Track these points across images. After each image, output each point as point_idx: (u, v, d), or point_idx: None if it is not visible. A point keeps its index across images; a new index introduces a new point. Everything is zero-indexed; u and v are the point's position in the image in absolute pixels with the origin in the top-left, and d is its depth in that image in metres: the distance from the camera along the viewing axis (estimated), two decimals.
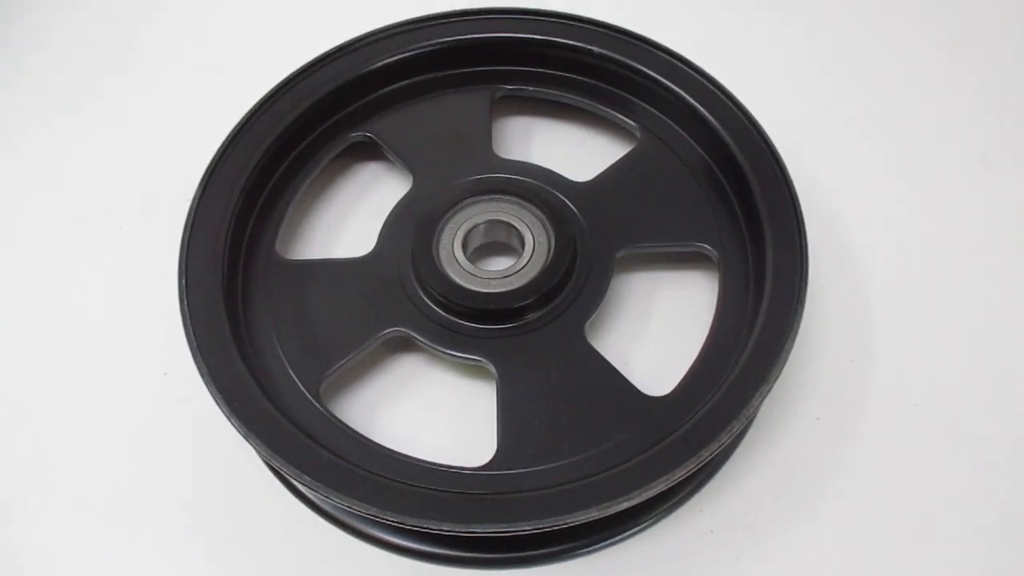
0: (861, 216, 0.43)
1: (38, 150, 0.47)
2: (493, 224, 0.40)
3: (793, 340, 0.36)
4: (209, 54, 0.50)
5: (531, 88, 0.45)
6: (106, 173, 0.46)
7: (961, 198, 0.44)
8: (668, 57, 0.43)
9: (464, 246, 0.40)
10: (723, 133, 0.41)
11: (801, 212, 0.38)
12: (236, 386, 0.35)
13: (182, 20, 0.52)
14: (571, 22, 0.44)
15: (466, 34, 0.44)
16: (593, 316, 0.38)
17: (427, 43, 0.44)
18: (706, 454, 0.33)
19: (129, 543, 0.37)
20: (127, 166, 0.47)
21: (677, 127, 0.43)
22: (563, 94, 0.45)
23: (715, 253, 0.40)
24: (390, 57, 0.44)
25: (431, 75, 0.45)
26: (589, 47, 0.44)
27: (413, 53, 0.44)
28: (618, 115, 0.44)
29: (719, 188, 0.41)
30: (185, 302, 0.37)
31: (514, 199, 0.41)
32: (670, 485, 0.34)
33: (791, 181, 0.39)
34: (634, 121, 0.44)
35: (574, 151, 0.45)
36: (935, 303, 0.41)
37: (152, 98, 0.49)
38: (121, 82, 0.50)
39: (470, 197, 0.41)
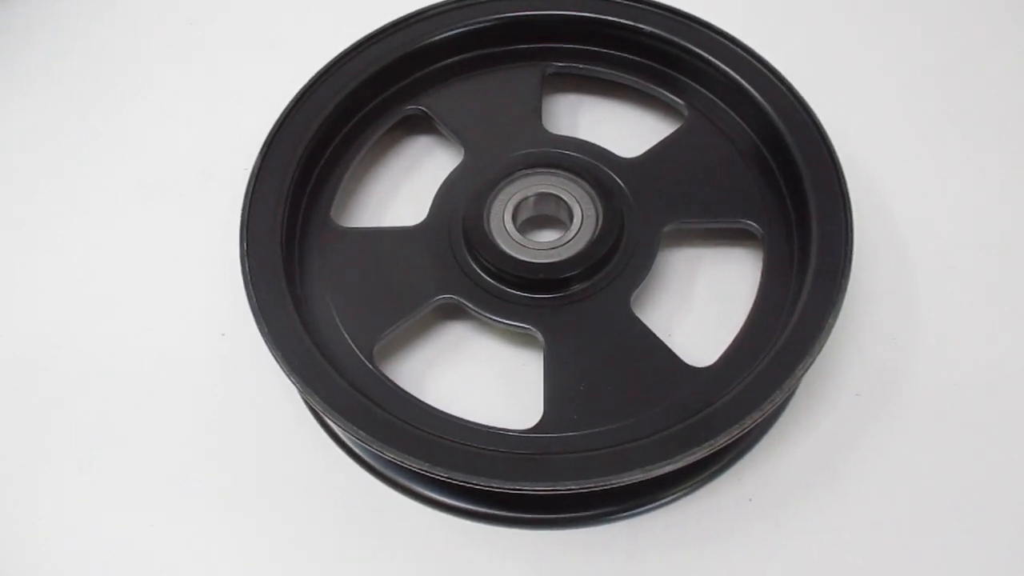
0: (908, 199, 0.44)
1: (103, 122, 0.49)
2: (543, 197, 0.41)
3: (836, 316, 0.36)
4: (267, 30, 0.51)
5: (581, 66, 0.46)
6: (169, 144, 0.48)
7: (1011, 188, 0.44)
8: (717, 36, 0.43)
9: (514, 218, 0.41)
10: (771, 112, 0.41)
11: (848, 191, 0.39)
12: (294, 345, 0.37)
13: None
14: (622, 1, 0.45)
15: (518, 12, 0.45)
16: (639, 288, 0.39)
17: (480, 20, 0.45)
18: (747, 423, 0.34)
19: (187, 494, 0.39)
20: (188, 138, 0.48)
21: (725, 106, 0.43)
22: (612, 72, 0.45)
23: (760, 230, 0.41)
24: (444, 33, 0.45)
25: (483, 51, 0.46)
26: (639, 25, 0.44)
27: (466, 29, 0.45)
28: (666, 93, 0.45)
29: (765, 167, 0.42)
30: (247, 265, 0.38)
31: (563, 173, 0.42)
32: (710, 452, 0.35)
33: (838, 161, 0.40)
34: (682, 99, 0.44)
35: (622, 128, 0.46)
36: (977, 287, 0.42)
37: (212, 72, 0.50)
38: (182, 57, 0.51)
39: (521, 170, 0.42)
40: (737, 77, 0.43)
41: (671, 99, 0.45)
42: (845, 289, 0.37)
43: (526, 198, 0.41)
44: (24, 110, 0.49)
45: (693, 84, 0.44)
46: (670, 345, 0.38)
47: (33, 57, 0.52)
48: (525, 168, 0.42)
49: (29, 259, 0.45)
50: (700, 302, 0.41)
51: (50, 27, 0.53)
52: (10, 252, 0.45)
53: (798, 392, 0.39)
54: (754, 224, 0.41)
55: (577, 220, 0.40)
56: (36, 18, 0.53)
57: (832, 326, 0.36)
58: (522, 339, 0.40)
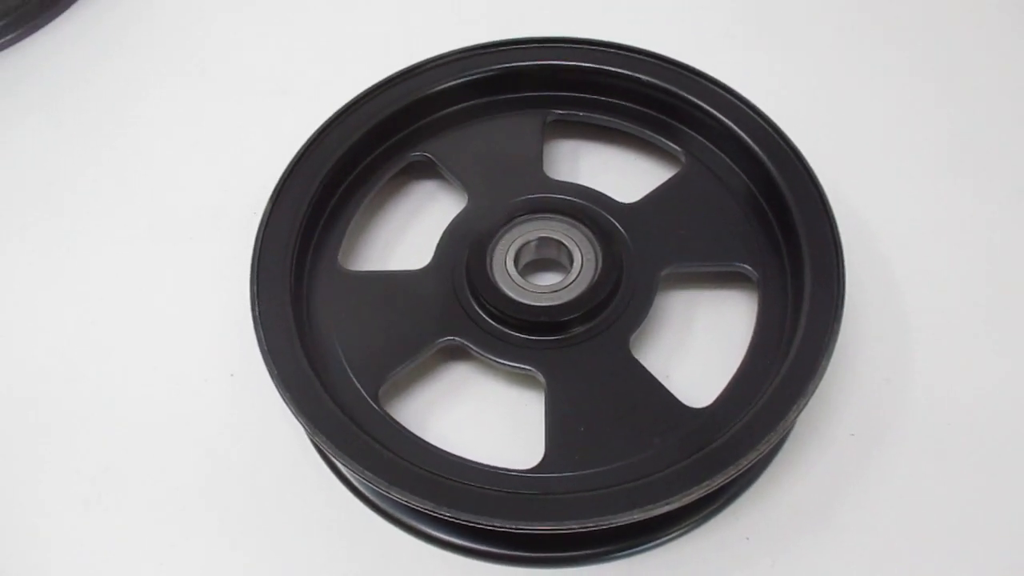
0: (899, 242, 0.45)
1: (115, 164, 0.50)
2: (544, 241, 0.43)
3: (829, 357, 0.37)
4: (278, 77, 0.53)
5: (581, 113, 0.47)
6: (179, 186, 0.49)
7: (998, 230, 0.45)
8: (713, 86, 0.45)
9: (516, 261, 0.42)
10: (765, 160, 0.43)
11: (839, 236, 0.40)
12: (303, 387, 0.38)
13: (253, 46, 0.55)
14: (620, 51, 0.46)
15: (520, 61, 0.47)
16: (638, 331, 0.40)
17: (483, 69, 0.47)
18: (743, 464, 0.35)
19: (196, 532, 0.39)
20: (199, 180, 0.49)
21: (721, 153, 0.45)
22: (611, 119, 0.47)
23: (755, 274, 0.42)
24: (448, 82, 0.46)
25: (486, 99, 0.47)
26: (637, 75, 0.46)
27: (470, 78, 0.46)
28: (664, 140, 0.46)
29: (760, 212, 0.43)
30: (256, 308, 0.39)
31: (564, 218, 0.43)
32: (708, 492, 0.35)
33: (830, 206, 0.41)
34: (679, 146, 0.46)
35: (621, 173, 0.47)
36: (968, 328, 0.43)
37: (223, 117, 0.52)
38: (195, 102, 0.53)
39: (522, 215, 0.43)
40: (731, 125, 0.44)
41: (668, 146, 0.46)
42: (838, 332, 0.38)
43: (528, 242, 0.43)
44: (38, 149, 0.51)
45: (689, 131, 0.46)
46: (668, 386, 0.39)
47: (48, 97, 0.53)
48: (527, 213, 0.43)
49: (40, 296, 0.46)
50: (697, 344, 0.42)
51: (65, 67, 0.54)
52: (21, 289, 0.46)
53: (794, 432, 0.40)
54: (749, 268, 0.42)
55: (577, 264, 0.42)
56: (52, 58, 0.55)
57: (826, 368, 0.37)
58: (524, 380, 0.41)
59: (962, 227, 0.46)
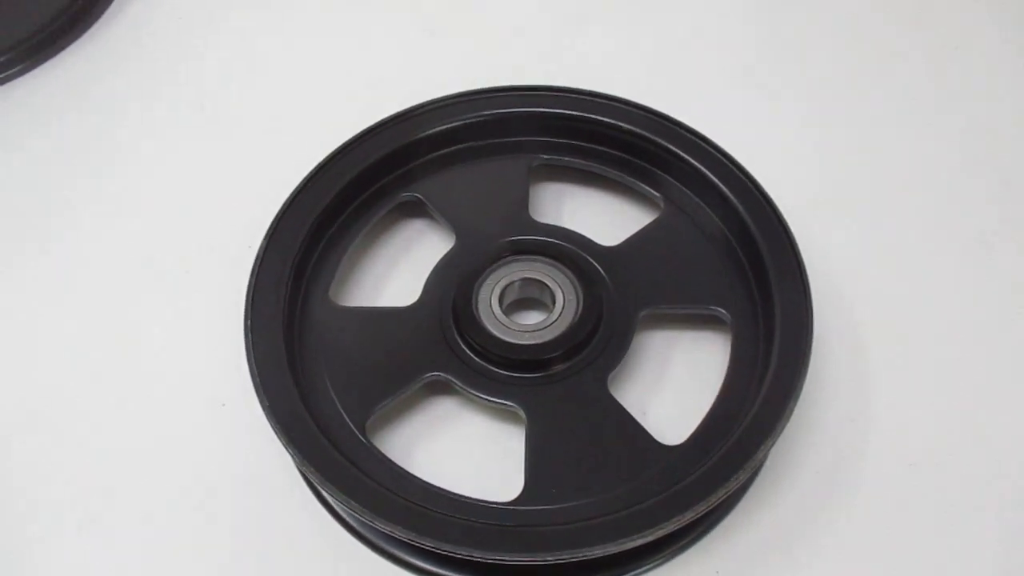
0: (865, 289, 0.47)
1: (114, 196, 0.52)
2: (527, 282, 0.44)
3: (797, 399, 0.39)
4: (272, 117, 0.55)
5: (565, 158, 0.49)
6: (176, 220, 0.51)
7: (960, 276, 0.48)
8: (691, 136, 0.47)
9: (500, 300, 0.44)
10: (739, 207, 0.45)
11: (808, 282, 0.42)
12: (292, 418, 0.39)
13: (249, 84, 0.56)
14: (603, 100, 0.48)
15: (507, 108, 0.49)
16: (616, 369, 0.42)
17: (472, 115, 0.48)
18: (713, 500, 0.37)
19: (186, 558, 0.41)
20: (195, 214, 0.51)
21: (698, 199, 0.47)
22: (594, 165, 0.49)
23: (728, 316, 0.44)
24: (439, 126, 0.48)
25: (475, 143, 0.49)
26: (619, 124, 0.48)
27: (459, 123, 0.48)
28: (644, 186, 0.48)
29: (734, 257, 0.45)
30: (250, 341, 0.41)
31: (547, 260, 0.45)
32: (680, 527, 0.37)
33: (800, 253, 0.43)
34: (658, 192, 0.48)
35: (603, 217, 0.49)
36: (931, 371, 0.45)
37: (219, 153, 0.53)
38: (191, 137, 0.54)
39: (507, 256, 0.45)
40: (707, 173, 0.46)
41: (648, 191, 0.48)
42: (805, 375, 0.39)
43: (512, 283, 0.44)
44: (37, 180, 0.52)
45: (668, 178, 0.48)
46: (644, 424, 0.41)
47: (48, 129, 0.55)
48: (512, 254, 0.45)
49: (36, 324, 0.47)
50: (673, 383, 0.44)
51: (66, 100, 0.56)
52: (17, 317, 0.47)
53: (764, 470, 0.42)
54: (723, 311, 0.44)
55: (559, 304, 0.43)
56: (54, 92, 0.56)
57: (793, 410, 0.39)
58: (506, 415, 0.43)
59: (926, 274, 0.48)
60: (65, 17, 0.60)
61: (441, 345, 0.43)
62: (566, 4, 0.60)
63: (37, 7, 0.59)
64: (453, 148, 0.49)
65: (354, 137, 0.47)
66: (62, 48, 0.59)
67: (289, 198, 0.45)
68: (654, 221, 0.47)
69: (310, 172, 0.46)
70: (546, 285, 0.44)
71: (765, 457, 0.39)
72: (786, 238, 0.44)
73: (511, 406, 0.41)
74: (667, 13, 0.59)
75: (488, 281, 0.44)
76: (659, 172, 0.48)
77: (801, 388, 0.39)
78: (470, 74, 0.51)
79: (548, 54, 0.57)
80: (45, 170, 0.53)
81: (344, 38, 0.58)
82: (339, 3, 0.60)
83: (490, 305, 0.43)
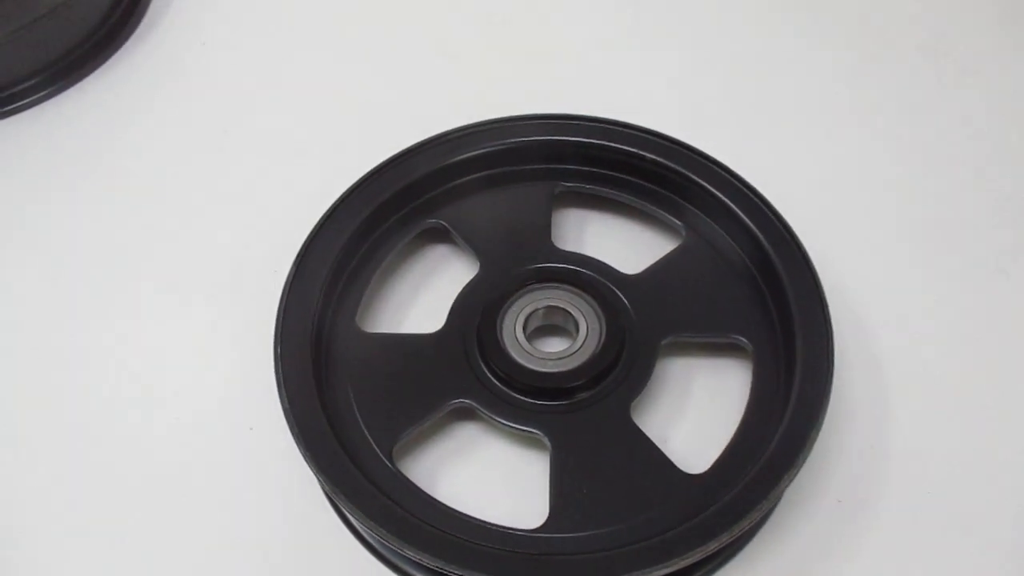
0: (885, 317, 0.47)
1: (142, 221, 0.53)
2: (551, 310, 0.45)
3: (818, 430, 0.40)
4: (298, 141, 0.56)
5: (588, 186, 0.50)
6: (203, 245, 0.52)
7: (979, 304, 0.48)
8: (712, 165, 0.48)
9: (524, 328, 0.44)
10: (760, 236, 0.46)
11: (828, 311, 0.43)
12: (321, 444, 0.40)
13: (275, 111, 0.57)
14: (625, 129, 0.49)
15: (531, 136, 0.49)
16: (638, 397, 0.43)
17: (496, 143, 0.49)
18: (735, 531, 0.37)
19: None
20: (222, 238, 0.52)
21: (719, 228, 0.47)
22: (617, 193, 0.50)
23: (749, 345, 0.44)
24: (463, 154, 0.49)
25: (499, 170, 0.50)
26: (641, 153, 0.48)
27: (484, 151, 0.49)
28: (666, 214, 0.49)
29: (755, 286, 0.46)
30: (280, 366, 0.42)
31: (570, 288, 0.45)
32: (702, 557, 0.38)
33: (820, 282, 0.43)
34: (680, 220, 0.48)
35: (625, 245, 0.50)
36: (950, 400, 0.45)
37: (245, 178, 0.54)
38: (218, 162, 0.55)
39: (531, 284, 0.46)
40: (728, 202, 0.47)
41: (670, 220, 0.49)
42: (826, 406, 0.40)
43: (536, 310, 0.45)
44: (65, 205, 0.53)
45: (690, 207, 0.48)
46: (666, 452, 0.41)
47: (76, 154, 0.56)
48: (535, 282, 0.46)
49: (65, 349, 0.48)
50: (695, 411, 0.45)
51: (93, 125, 0.57)
52: (44, 343, 0.48)
53: (784, 497, 0.42)
54: (744, 339, 0.44)
55: (583, 332, 0.44)
56: (81, 116, 0.57)
57: (815, 440, 0.39)
58: (530, 442, 0.44)
59: (945, 302, 0.48)
60: (91, 42, 0.61)
61: (466, 372, 0.44)
62: (588, 33, 0.61)
63: (63, 33, 0.60)
64: (477, 175, 0.50)
65: (380, 164, 0.48)
66: (88, 73, 0.60)
67: (317, 225, 0.46)
68: (675, 249, 0.48)
69: (337, 199, 0.47)
70: (569, 313, 0.45)
71: (786, 488, 0.39)
72: (806, 267, 0.44)
73: (535, 433, 0.42)
74: (688, 42, 0.60)
75: (512, 309, 0.45)
76: (680, 200, 0.49)
77: (823, 420, 0.40)
78: (493, 101, 0.52)
79: (571, 82, 0.57)
80: (71, 195, 0.54)
81: (368, 64, 0.59)
82: (363, 31, 0.61)
83: (514, 333, 0.44)
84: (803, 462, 0.39)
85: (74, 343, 0.48)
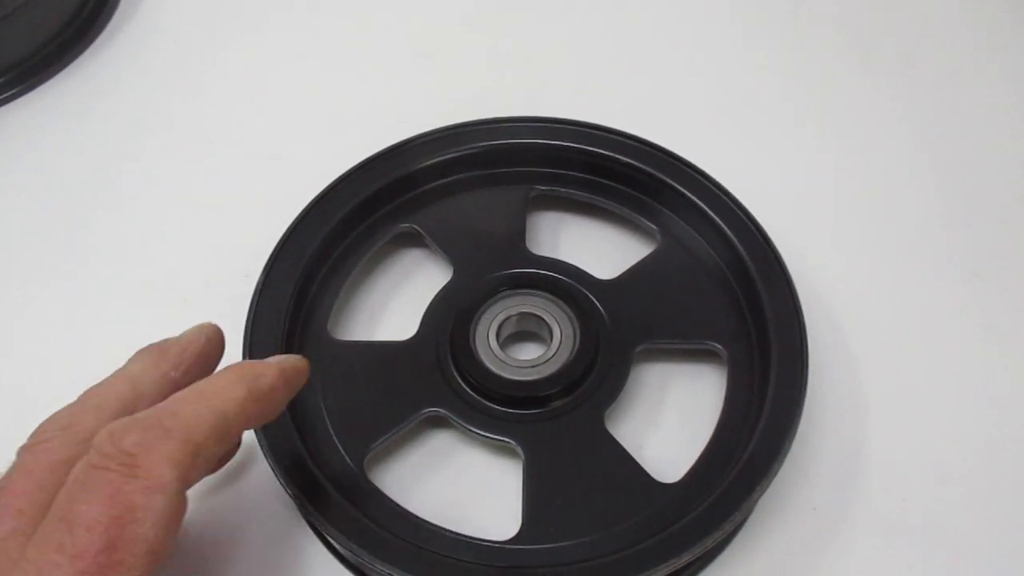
0: (860, 322, 0.47)
1: (110, 224, 0.52)
2: (524, 316, 0.45)
3: (792, 438, 0.39)
4: (272, 142, 0.55)
5: (563, 189, 0.49)
6: (173, 248, 0.51)
7: (954, 308, 0.48)
8: (686, 168, 0.47)
9: (498, 335, 0.44)
10: (734, 240, 0.45)
11: (803, 318, 0.42)
12: (290, 455, 0.39)
13: (247, 113, 0.57)
14: (600, 132, 0.49)
15: (505, 139, 0.49)
16: (612, 405, 0.42)
17: (470, 146, 0.49)
18: (708, 542, 0.37)
19: None
20: (190, 242, 0.51)
21: (693, 232, 0.47)
22: (591, 196, 0.49)
23: (724, 352, 0.44)
24: (436, 158, 0.48)
25: (472, 173, 0.49)
26: (615, 155, 0.48)
27: (457, 154, 0.49)
28: (641, 218, 0.48)
29: (730, 291, 0.45)
30: None
31: (544, 294, 0.45)
32: (675, 568, 0.37)
33: (795, 288, 0.43)
34: (655, 224, 0.48)
35: (600, 249, 0.49)
36: (926, 406, 0.45)
37: (215, 181, 0.53)
38: (187, 164, 0.54)
39: (504, 290, 0.45)
40: (703, 206, 0.46)
41: (645, 223, 0.48)
42: (801, 413, 0.40)
43: (509, 317, 0.44)
44: (32, 207, 0.52)
45: (665, 210, 0.48)
46: (640, 461, 0.41)
47: (44, 155, 0.55)
48: (509, 288, 0.45)
49: (32, 354, 0.47)
50: (669, 418, 0.44)
51: (62, 125, 0.56)
52: (14, 347, 0.47)
53: (760, 505, 0.42)
54: (718, 346, 0.44)
55: (556, 339, 0.44)
56: (50, 116, 0.56)
57: (789, 448, 0.39)
58: (504, 450, 0.43)
59: (920, 306, 0.48)
60: (58, 41, 0.60)
61: (439, 380, 0.43)
62: (564, 35, 0.60)
63: (30, 32, 0.59)
64: (450, 179, 0.49)
65: (352, 168, 0.47)
66: (56, 72, 0.59)
67: (287, 231, 0.45)
68: (651, 254, 0.47)
69: (306, 207, 0.46)
70: (543, 319, 0.44)
71: (760, 497, 0.39)
72: (781, 272, 0.44)
73: (508, 442, 0.42)
74: (665, 45, 0.60)
75: (486, 316, 0.44)
76: (655, 204, 0.48)
77: (797, 428, 0.40)
78: (467, 105, 0.51)
79: (545, 86, 0.57)
80: (40, 196, 0.53)
81: (342, 67, 0.59)
82: (337, 33, 0.60)
83: (488, 340, 0.44)
84: (777, 471, 0.39)
85: (37, 348, 0.47)
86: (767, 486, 0.39)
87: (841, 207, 0.52)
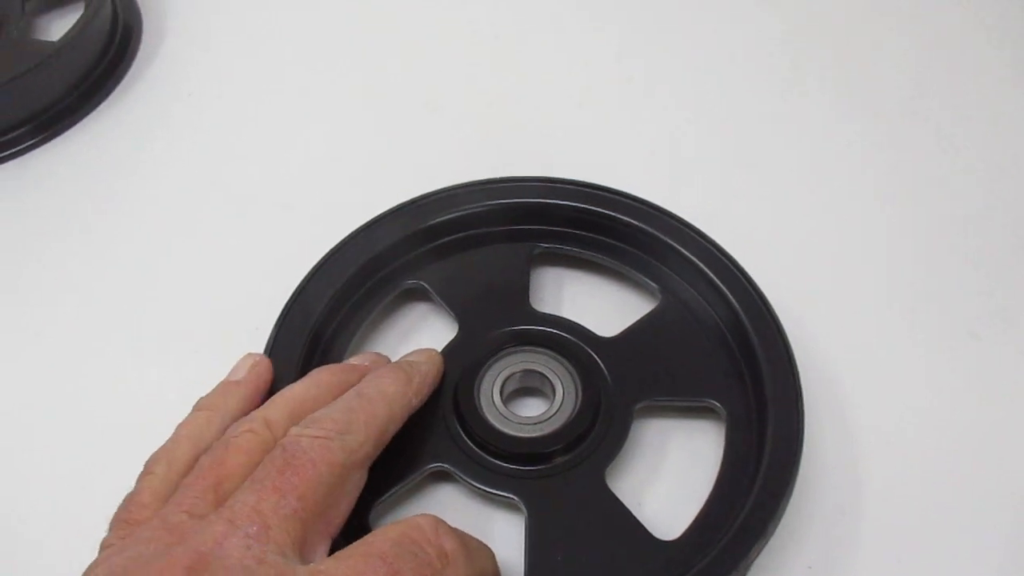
0: (856, 382, 0.48)
1: (123, 274, 0.53)
2: (528, 373, 0.46)
3: (789, 497, 0.40)
4: (285, 195, 0.56)
5: (565, 247, 0.51)
6: (184, 300, 0.52)
7: (951, 369, 0.49)
8: (686, 229, 0.49)
9: (502, 392, 0.45)
10: (733, 301, 0.46)
11: (799, 378, 0.43)
12: None
13: (261, 162, 0.58)
14: (602, 192, 0.50)
15: (510, 198, 0.50)
16: (613, 462, 0.43)
17: (476, 204, 0.50)
18: None
19: None
20: (202, 293, 0.52)
21: (693, 291, 0.48)
22: (593, 254, 0.51)
23: (723, 409, 0.45)
24: (442, 216, 0.50)
25: (477, 231, 0.51)
26: (617, 215, 0.50)
27: (463, 213, 0.50)
28: (641, 276, 0.50)
29: (729, 350, 0.47)
30: None
31: (547, 351, 0.46)
32: None
33: (791, 349, 0.44)
34: (656, 283, 0.49)
35: (602, 307, 0.50)
36: (922, 465, 0.46)
37: (226, 232, 0.55)
38: (198, 218, 0.56)
39: (509, 347, 0.46)
40: (703, 267, 0.48)
41: (646, 282, 0.50)
42: (797, 472, 0.41)
43: (513, 374, 0.46)
44: (46, 256, 0.54)
45: (665, 269, 0.49)
46: (640, 518, 0.42)
47: (59, 204, 0.56)
48: (513, 345, 0.46)
49: (43, 403, 0.48)
50: (669, 474, 0.45)
51: (78, 176, 0.58)
52: (25, 396, 0.48)
53: (756, 563, 0.43)
54: (717, 403, 0.45)
55: (559, 396, 0.45)
56: (67, 167, 0.58)
57: (785, 507, 0.40)
58: (506, 505, 0.44)
59: (917, 366, 0.49)
60: (78, 92, 0.62)
61: (443, 436, 0.44)
62: (565, 95, 0.62)
63: (50, 83, 0.61)
64: (456, 236, 0.50)
65: (360, 227, 0.49)
66: (75, 123, 0.61)
67: (296, 291, 0.47)
68: (651, 312, 0.49)
69: (316, 264, 0.47)
70: (546, 377, 0.45)
71: (757, 556, 0.40)
72: (777, 333, 0.45)
73: (511, 498, 0.43)
74: (663, 106, 0.61)
75: (490, 373, 0.45)
76: (655, 263, 0.50)
77: (793, 487, 0.41)
78: (473, 164, 0.53)
79: (548, 145, 0.59)
80: (54, 246, 0.54)
81: (354, 124, 0.60)
82: (350, 91, 0.62)
83: (492, 397, 0.45)
84: (774, 531, 0.40)
85: (45, 397, 0.48)
86: (763, 546, 0.39)
87: (838, 267, 0.53)
